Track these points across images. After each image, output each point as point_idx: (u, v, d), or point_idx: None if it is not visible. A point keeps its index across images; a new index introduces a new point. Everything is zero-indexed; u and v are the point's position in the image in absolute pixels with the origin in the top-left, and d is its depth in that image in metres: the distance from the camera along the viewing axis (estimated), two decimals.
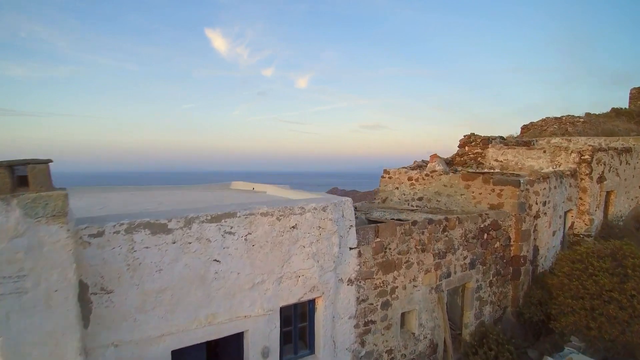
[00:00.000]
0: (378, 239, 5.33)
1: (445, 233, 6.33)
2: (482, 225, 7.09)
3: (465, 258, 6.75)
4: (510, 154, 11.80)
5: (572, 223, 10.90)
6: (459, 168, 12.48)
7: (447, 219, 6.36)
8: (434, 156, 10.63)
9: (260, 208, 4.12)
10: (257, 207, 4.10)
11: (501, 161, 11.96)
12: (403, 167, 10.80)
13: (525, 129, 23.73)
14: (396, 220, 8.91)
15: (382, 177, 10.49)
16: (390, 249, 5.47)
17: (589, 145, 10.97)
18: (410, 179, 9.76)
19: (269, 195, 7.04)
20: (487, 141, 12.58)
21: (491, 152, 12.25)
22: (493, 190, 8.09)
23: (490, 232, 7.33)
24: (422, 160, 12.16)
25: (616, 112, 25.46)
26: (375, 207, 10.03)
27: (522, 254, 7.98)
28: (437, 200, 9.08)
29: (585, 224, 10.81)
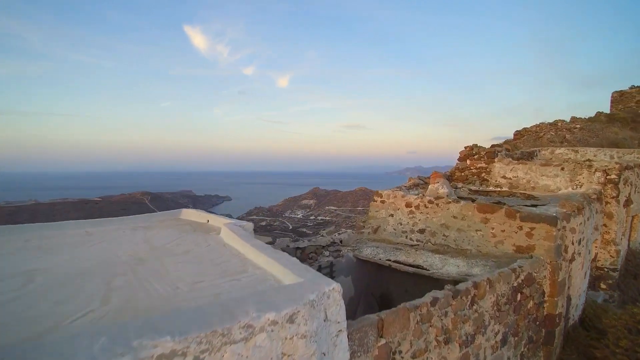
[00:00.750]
0: (383, 341, 3.29)
1: (474, 307, 4.37)
2: (515, 284, 5.19)
3: (496, 334, 4.82)
4: (520, 170, 10.02)
5: (596, 255, 9.23)
6: (460, 185, 10.66)
7: (475, 286, 4.40)
8: (436, 175, 8.71)
9: (158, 344, 2.00)
10: (150, 344, 1.98)
11: (510, 178, 10.18)
12: (397, 189, 8.85)
13: (518, 134, 22.35)
14: (393, 262, 6.95)
15: (374, 200, 8.49)
16: (400, 352, 3.44)
17: (616, 163, 9.31)
18: (408, 205, 7.80)
19: (222, 241, 4.96)
20: (492, 154, 10.79)
21: (498, 167, 10.46)
22: (520, 227, 6.20)
23: (524, 290, 5.43)
24: (419, 177, 10.25)
25: (608, 117, 24.43)
26: (366, 240, 8.03)
27: (557, 312, 6.14)
28: (444, 235, 7.14)
29: (611, 255, 9.14)
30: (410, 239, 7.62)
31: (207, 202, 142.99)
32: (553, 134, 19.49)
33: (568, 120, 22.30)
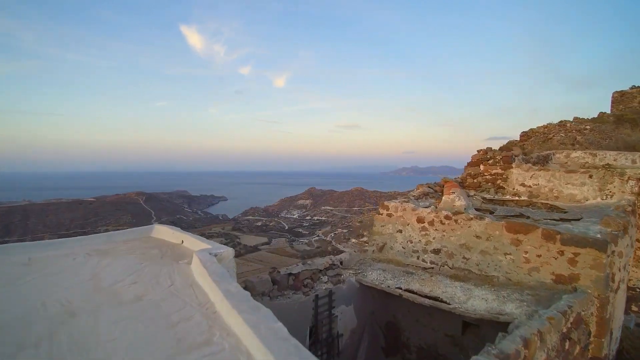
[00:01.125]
0: None
1: None
2: (564, 329, 4.10)
3: None
4: (542, 177, 8.94)
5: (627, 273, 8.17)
6: (472, 192, 9.56)
7: (526, 344, 3.30)
8: (451, 184, 7.63)
9: None
10: None
11: (530, 186, 9.10)
12: (405, 199, 7.73)
13: (525, 135, 21.32)
14: (405, 291, 5.85)
15: (379, 213, 7.37)
16: None
17: None
18: (420, 220, 6.69)
19: (190, 278, 3.89)
20: (509, 159, 9.70)
21: (516, 173, 9.37)
22: (562, 252, 5.11)
23: (572, 336, 4.35)
24: (428, 184, 9.14)
25: (617, 118, 23.53)
26: (370, 261, 6.92)
27: (603, 354, 5.07)
28: (465, 258, 6.04)
29: None
30: (423, 260, 6.52)
31: (203, 202, 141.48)
32: (563, 135, 18.47)
33: (571, 121, 21.39)
